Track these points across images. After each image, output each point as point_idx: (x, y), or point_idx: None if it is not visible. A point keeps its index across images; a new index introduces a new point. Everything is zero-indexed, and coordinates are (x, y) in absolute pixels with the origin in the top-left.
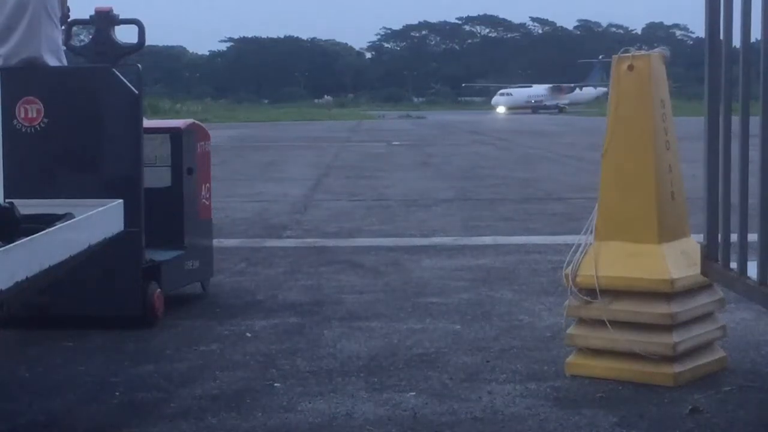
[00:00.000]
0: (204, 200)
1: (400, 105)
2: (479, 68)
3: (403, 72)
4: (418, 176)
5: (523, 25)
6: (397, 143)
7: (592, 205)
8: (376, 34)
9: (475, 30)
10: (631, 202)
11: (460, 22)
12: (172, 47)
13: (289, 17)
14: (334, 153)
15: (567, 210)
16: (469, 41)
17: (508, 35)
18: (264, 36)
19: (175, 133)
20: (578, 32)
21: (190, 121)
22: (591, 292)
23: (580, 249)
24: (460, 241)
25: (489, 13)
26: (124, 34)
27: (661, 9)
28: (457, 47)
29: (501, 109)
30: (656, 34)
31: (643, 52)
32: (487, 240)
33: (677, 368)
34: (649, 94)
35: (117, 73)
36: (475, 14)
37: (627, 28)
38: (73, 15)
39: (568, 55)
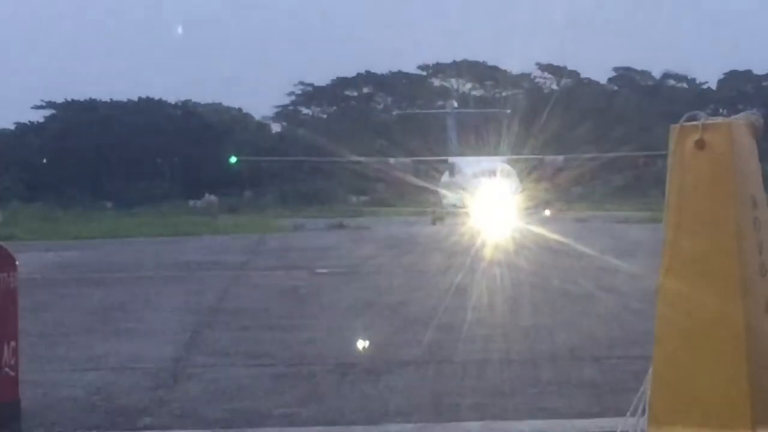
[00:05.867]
0: (6, 369)
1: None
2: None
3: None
4: (361, 324)
5: (526, 77)
6: (324, 271)
7: (643, 368)
8: (289, 93)
9: (447, 84)
10: (707, 366)
11: (424, 73)
12: None
13: (145, 68)
14: (221, 288)
15: (603, 377)
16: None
17: (504, 93)
18: (106, 98)
19: None
20: (615, 86)
21: None
22: None
23: None
24: (429, 429)
25: (472, 58)
26: None
27: (744, 53)
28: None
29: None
30: (739, 88)
31: (719, 119)
32: (474, 428)
33: None
34: (730, 187)
35: None
36: (448, 60)
37: (692, 79)
38: None
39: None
